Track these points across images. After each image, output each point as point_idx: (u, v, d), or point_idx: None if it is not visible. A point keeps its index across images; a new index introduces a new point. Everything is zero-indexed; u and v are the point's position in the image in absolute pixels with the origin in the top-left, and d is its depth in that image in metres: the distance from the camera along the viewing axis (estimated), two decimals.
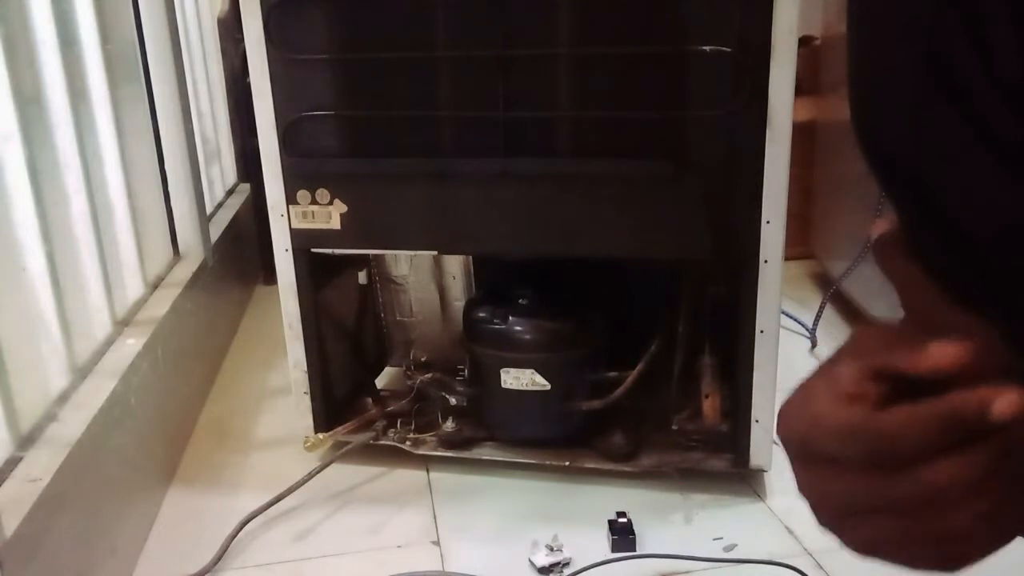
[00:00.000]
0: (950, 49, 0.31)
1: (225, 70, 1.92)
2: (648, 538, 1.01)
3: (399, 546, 1.02)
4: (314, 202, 1.07)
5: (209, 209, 1.66)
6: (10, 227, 0.90)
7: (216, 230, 1.65)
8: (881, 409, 0.35)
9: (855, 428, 0.35)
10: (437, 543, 1.03)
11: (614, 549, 0.99)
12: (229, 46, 1.87)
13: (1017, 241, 0.32)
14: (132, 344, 1.11)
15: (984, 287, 0.34)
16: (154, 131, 1.36)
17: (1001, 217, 0.32)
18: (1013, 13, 0.29)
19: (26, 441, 0.86)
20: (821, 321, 1.56)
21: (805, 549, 0.99)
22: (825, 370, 0.38)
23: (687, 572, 0.96)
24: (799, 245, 1.82)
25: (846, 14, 0.37)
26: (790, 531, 1.02)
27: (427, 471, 1.18)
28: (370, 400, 1.23)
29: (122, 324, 1.16)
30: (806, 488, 0.39)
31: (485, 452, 1.17)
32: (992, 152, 0.31)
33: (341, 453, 1.14)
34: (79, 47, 1.12)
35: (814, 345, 1.54)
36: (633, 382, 1.11)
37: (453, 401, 1.19)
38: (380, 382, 1.33)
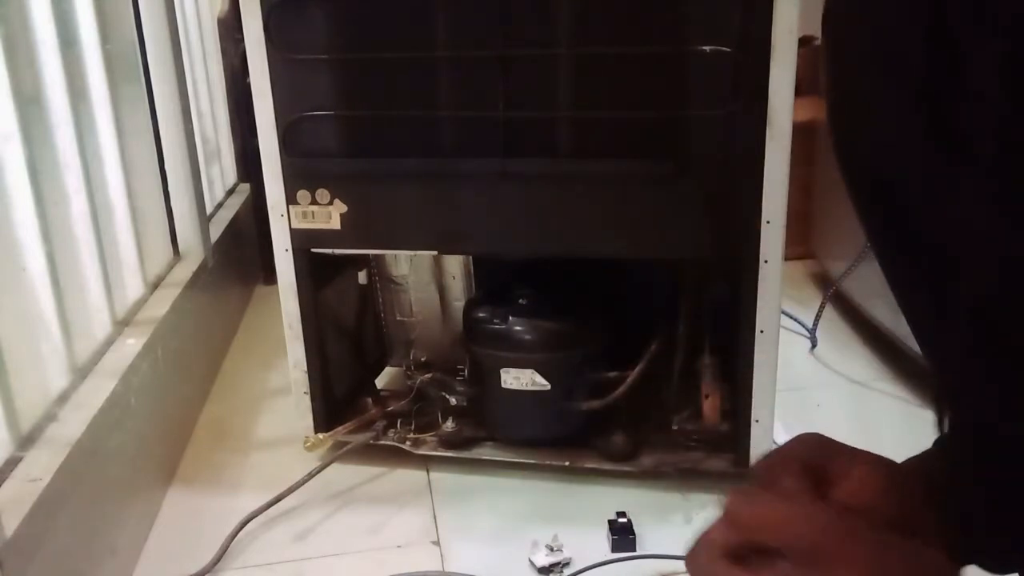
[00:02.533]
0: (936, 89, 0.31)
1: (225, 70, 1.92)
2: (648, 538, 1.01)
3: (399, 546, 1.02)
4: (314, 202, 1.07)
5: (209, 209, 1.66)
6: (10, 227, 0.90)
7: (216, 230, 1.65)
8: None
9: None
10: (437, 543, 1.03)
11: (614, 549, 0.99)
12: (229, 46, 1.87)
13: (1003, 269, 0.32)
14: (132, 344, 1.11)
15: (965, 316, 0.34)
16: (154, 131, 1.36)
17: (987, 245, 0.32)
18: (998, 50, 0.29)
19: (26, 441, 0.86)
20: (821, 321, 1.56)
21: None
22: (708, 532, 0.44)
23: (687, 572, 0.96)
24: (799, 245, 1.82)
25: (823, 49, 0.37)
26: None
27: (427, 471, 1.18)
28: (370, 400, 1.23)
29: (122, 324, 1.16)
30: None
31: (485, 452, 1.17)
32: (991, 193, 0.31)
33: (341, 453, 1.14)
34: (79, 47, 1.12)
35: (814, 345, 1.54)
36: (633, 382, 1.11)
37: (453, 401, 1.18)
38: (380, 382, 1.33)
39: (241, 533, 1.03)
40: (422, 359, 1.27)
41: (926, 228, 0.34)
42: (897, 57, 0.33)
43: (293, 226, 1.08)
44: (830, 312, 1.62)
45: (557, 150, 1.01)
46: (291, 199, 1.07)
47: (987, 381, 0.35)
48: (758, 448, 1.07)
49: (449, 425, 1.17)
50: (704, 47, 0.92)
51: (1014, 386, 0.34)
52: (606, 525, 1.02)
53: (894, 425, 1.27)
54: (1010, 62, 0.29)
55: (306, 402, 1.16)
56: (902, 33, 0.32)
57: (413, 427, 1.19)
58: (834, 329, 1.61)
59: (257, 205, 1.86)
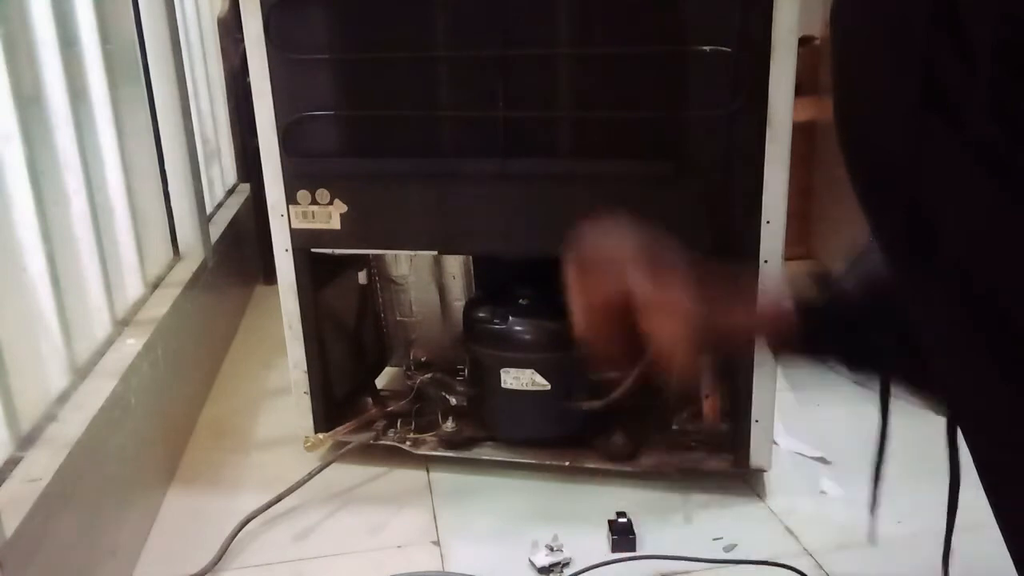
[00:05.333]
0: (942, 75, 0.31)
1: (225, 70, 1.92)
2: (648, 538, 1.01)
3: (399, 546, 1.02)
4: (314, 202, 1.07)
5: (209, 209, 1.66)
6: (10, 227, 0.90)
7: (216, 230, 1.65)
8: None
9: None
10: (437, 543, 1.03)
11: (614, 549, 0.99)
12: (229, 46, 1.87)
13: (1005, 251, 0.32)
14: (132, 344, 1.11)
15: (964, 303, 0.35)
16: (154, 131, 1.36)
17: (993, 229, 0.32)
18: (994, 41, 0.30)
19: (26, 441, 0.86)
20: None
21: (805, 549, 0.99)
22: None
23: (687, 572, 0.96)
24: (799, 245, 1.82)
25: (831, 44, 0.37)
26: (790, 531, 1.02)
27: (427, 471, 1.18)
28: (370, 400, 1.23)
29: (122, 324, 1.16)
30: None
31: (485, 452, 1.17)
32: (980, 164, 0.32)
33: (341, 453, 1.14)
34: (79, 47, 1.12)
35: None
36: (633, 382, 1.11)
37: (453, 401, 1.19)
38: (380, 382, 1.33)
39: (241, 533, 1.03)
40: (422, 359, 1.27)
41: (932, 215, 0.35)
42: (905, 49, 0.33)
43: (293, 226, 1.08)
44: None
45: (557, 150, 1.01)
46: (291, 199, 1.07)
47: (989, 363, 0.35)
48: (758, 448, 1.07)
49: (449, 425, 1.17)
50: (704, 47, 0.92)
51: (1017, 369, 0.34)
52: (606, 525, 1.02)
53: (894, 425, 1.27)
54: (1012, 49, 0.29)
55: (306, 402, 1.16)
56: (910, 26, 0.32)
57: (413, 427, 1.19)
58: None
59: (257, 205, 1.86)
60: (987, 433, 0.39)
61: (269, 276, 1.62)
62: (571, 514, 1.07)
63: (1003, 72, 0.30)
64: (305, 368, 1.15)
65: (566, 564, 0.97)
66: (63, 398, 0.96)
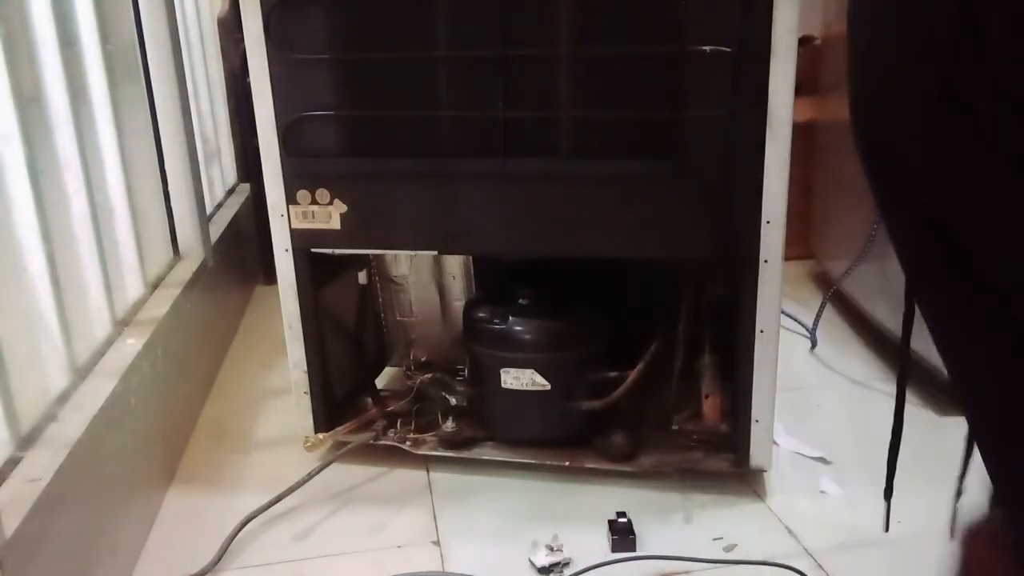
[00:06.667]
0: (960, 72, 0.31)
1: (225, 70, 1.92)
2: (648, 538, 1.01)
3: (399, 546, 1.02)
4: (314, 202, 1.07)
5: (209, 209, 1.66)
6: (10, 227, 0.90)
7: (216, 230, 1.65)
8: None
9: None
10: (437, 543, 1.03)
11: (614, 549, 0.99)
12: (229, 46, 1.87)
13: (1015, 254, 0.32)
14: (132, 344, 1.11)
15: (984, 303, 0.35)
16: (154, 131, 1.36)
17: (1010, 232, 0.32)
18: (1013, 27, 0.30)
19: (26, 441, 0.86)
20: (821, 321, 1.56)
21: (805, 549, 0.99)
22: None
23: (687, 572, 0.96)
24: (799, 245, 1.82)
25: (848, 43, 0.37)
26: (790, 531, 1.02)
27: (427, 471, 1.18)
28: (370, 400, 1.23)
29: (122, 324, 1.16)
30: None
31: (485, 452, 1.17)
32: (998, 162, 0.32)
33: (341, 453, 1.14)
34: (79, 47, 1.12)
35: (814, 345, 1.54)
36: (633, 382, 1.11)
37: (453, 401, 1.19)
38: (380, 382, 1.33)
39: (241, 533, 1.03)
40: (422, 359, 1.27)
41: (951, 215, 0.35)
42: (923, 49, 0.33)
43: (293, 226, 1.08)
44: (830, 312, 1.62)
45: (557, 150, 1.01)
46: (291, 199, 1.07)
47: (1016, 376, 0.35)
48: (758, 448, 1.07)
49: (449, 425, 1.17)
50: (704, 47, 0.92)
51: None
52: (606, 525, 1.02)
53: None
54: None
55: (306, 402, 1.16)
56: (928, 27, 0.33)
57: (413, 427, 1.19)
58: (834, 329, 1.61)
59: (257, 205, 1.86)
60: (1011, 442, 0.39)
61: (269, 276, 1.62)
62: (571, 514, 1.07)
63: (1016, 71, 0.30)
64: (305, 368, 1.15)
65: (566, 564, 0.97)
66: (63, 398, 0.96)
